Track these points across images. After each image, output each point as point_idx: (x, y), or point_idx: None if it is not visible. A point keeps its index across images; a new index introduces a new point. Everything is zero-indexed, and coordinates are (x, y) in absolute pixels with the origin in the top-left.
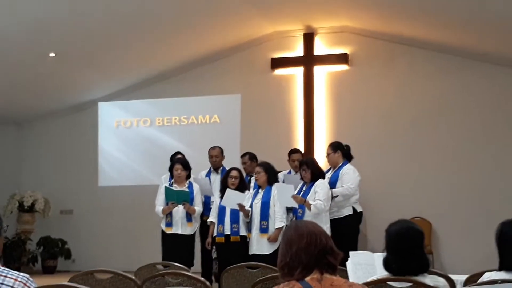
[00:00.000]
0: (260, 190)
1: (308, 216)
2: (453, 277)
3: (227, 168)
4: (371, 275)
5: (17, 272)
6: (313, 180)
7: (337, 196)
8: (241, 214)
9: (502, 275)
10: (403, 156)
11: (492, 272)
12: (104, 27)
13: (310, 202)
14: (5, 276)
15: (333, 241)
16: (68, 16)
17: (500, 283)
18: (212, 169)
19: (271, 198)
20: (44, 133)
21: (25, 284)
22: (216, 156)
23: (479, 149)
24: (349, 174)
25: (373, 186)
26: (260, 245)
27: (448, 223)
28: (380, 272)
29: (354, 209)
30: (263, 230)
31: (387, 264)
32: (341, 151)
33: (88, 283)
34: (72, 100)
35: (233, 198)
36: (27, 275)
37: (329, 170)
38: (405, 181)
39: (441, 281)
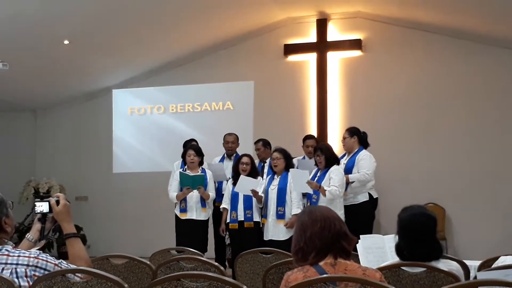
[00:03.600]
0: (275, 176)
1: (322, 202)
2: (467, 262)
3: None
4: (382, 259)
5: (28, 251)
6: (327, 166)
7: (353, 182)
8: (254, 200)
9: None
10: (416, 142)
11: (508, 256)
12: (118, 14)
13: (325, 187)
14: (18, 256)
15: (349, 227)
16: (83, 3)
17: None
18: (225, 156)
19: (288, 184)
20: (59, 120)
21: (36, 258)
22: (232, 142)
23: (494, 134)
24: (366, 160)
25: (387, 172)
26: (276, 231)
27: (461, 209)
28: (391, 256)
29: (370, 195)
30: (280, 216)
31: (399, 250)
32: (357, 136)
33: (104, 268)
34: (87, 88)
35: (246, 184)
36: (38, 251)
37: (344, 155)
38: (419, 167)
39: (454, 265)
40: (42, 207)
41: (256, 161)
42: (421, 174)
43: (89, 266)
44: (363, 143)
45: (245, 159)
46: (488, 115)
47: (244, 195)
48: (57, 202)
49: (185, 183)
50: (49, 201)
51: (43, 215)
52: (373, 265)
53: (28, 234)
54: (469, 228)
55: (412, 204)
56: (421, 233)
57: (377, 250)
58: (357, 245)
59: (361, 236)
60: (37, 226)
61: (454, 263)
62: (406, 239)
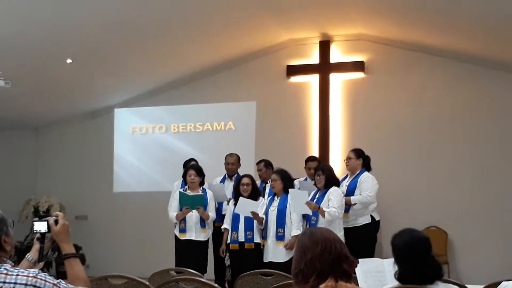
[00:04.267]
0: (276, 198)
1: (321, 224)
2: (469, 287)
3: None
4: (382, 283)
5: (27, 270)
6: (327, 187)
7: (355, 204)
8: (255, 221)
9: None
10: (418, 164)
11: (509, 282)
12: (121, 34)
13: (324, 209)
14: (17, 275)
15: (350, 249)
16: (86, 23)
17: None
18: (226, 176)
19: (287, 206)
20: (60, 139)
21: (35, 277)
22: (232, 164)
23: (496, 158)
24: (368, 182)
25: (388, 195)
26: (276, 253)
27: (464, 232)
28: (391, 280)
29: (372, 217)
30: (279, 237)
31: (401, 278)
32: (362, 159)
33: None
34: (88, 106)
35: (246, 206)
36: (36, 270)
37: (345, 178)
38: (421, 190)
39: None
40: (40, 226)
41: (258, 182)
42: (423, 197)
43: (87, 286)
44: (366, 166)
45: (245, 180)
46: (491, 138)
47: (245, 216)
48: (56, 221)
49: (184, 203)
50: (47, 221)
51: (42, 235)
52: (371, 286)
53: (28, 254)
54: (471, 252)
55: (402, 230)
56: (417, 257)
57: (376, 274)
58: (356, 268)
59: (360, 260)
60: (36, 246)
61: (455, 287)
62: (404, 265)
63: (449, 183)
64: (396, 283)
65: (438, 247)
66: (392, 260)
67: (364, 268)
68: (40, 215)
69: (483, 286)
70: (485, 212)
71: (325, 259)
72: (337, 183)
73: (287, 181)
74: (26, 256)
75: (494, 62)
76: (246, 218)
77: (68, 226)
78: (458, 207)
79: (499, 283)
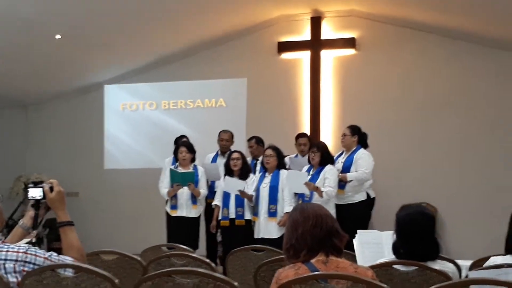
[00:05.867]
0: (267, 174)
1: (315, 201)
2: (459, 262)
3: None
4: (379, 255)
5: (17, 245)
6: (321, 164)
7: (351, 180)
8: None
9: (508, 259)
10: (410, 141)
11: (498, 257)
12: (110, 9)
13: (321, 189)
14: (7, 251)
15: (344, 225)
16: None
17: (506, 267)
18: (219, 152)
19: (280, 182)
20: (50, 116)
21: (25, 253)
22: (227, 140)
23: (487, 135)
24: (364, 159)
25: (380, 172)
26: (268, 229)
27: (454, 209)
28: (388, 253)
29: (368, 194)
30: (272, 214)
31: (395, 249)
32: (358, 136)
33: (94, 264)
34: (78, 83)
35: (233, 185)
36: (27, 245)
37: (340, 154)
38: (412, 167)
39: (451, 267)
40: (35, 193)
41: (249, 159)
42: (414, 174)
43: (82, 256)
44: (363, 143)
45: (235, 155)
46: (483, 115)
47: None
48: (51, 188)
49: (175, 180)
50: (42, 187)
51: (37, 201)
52: (369, 260)
53: (20, 220)
54: (461, 228)
55: (411, 203)
56: (418, 233)
57: (374, 245)
58: (353, 240)
59: (358, 231)
60: (30, 213)
61: (451, 265)
62: (403, 238)
63: (440, 160)
64: (393, 256)
65: None
66: (390, 233)
67: (362, 239)
68: (35, 182)
69: (472, 261)
70: (475, 189)
71: (316, 234)
72: (331, 160)
73: (281, 158)
74: (18, 223)
75: (487, 39)
76: (237, 195)
77: (64, 193)
78: (448, 184)
79: (488, 258)
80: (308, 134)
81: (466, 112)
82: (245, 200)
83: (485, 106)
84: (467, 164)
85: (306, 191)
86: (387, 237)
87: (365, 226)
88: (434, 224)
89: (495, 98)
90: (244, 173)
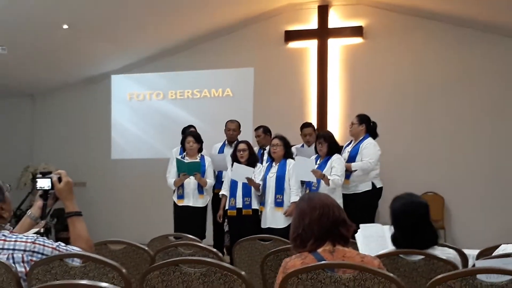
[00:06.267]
0: (274, 164)
1: (322, 190)
2: (466, 251)
3: None
4: (383, 247)
5: (25, 235)
6: (329, 154)
7: (356, 170)
8: (252, 187)
9: None
10: (417, 130)
11: (509, 245)
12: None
13: (328, 177)
14: (15, 241)
15: (349, 215)
16: None
17: None
18: (226, 142)
19: (286, 172)
20: (57, 106)
21: (33, 243)
22: (234, 130)
23: (495, 123)
24: (369, 149)
25: (387, 161)
26: (274, 219)
27: (460, 198)
28: (391, 244)
29: (373, 184)
30: (278, 203)
31: (395, 240)
32: (366, 125)
33: (102, 253)
34: (85, 73)
35: (241, 172)
36: (35, 235)
37: (349, 143)
38: (419, 156)
39: (452, 252)
40: (43, 183)
41: (256, 148)
42: (420, 162)
43: (89, 246)
44: (372, 132)
45: (242, 146)
46: (490, 104)
47: (243, 182)
48: (59, 179)
49: (181, 169)
50: (51, 178)
51: (45, 192)
52: (374, 252)
53: (29, 211)
54: (468, 218)
55: (402, 193)
56: (414, 221)
57: (377, 238)
58: (356, 234)
59: (360, 225)
60: (38, 203)
61: (452, 250)
62: (400, 229)
63: (447, 148)
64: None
65: (435, 212)
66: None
67: (366, 233)
68: (43, 172)
69: (479, 249)
70: (481, 178)
71: (323, 224)
72: (338, 150)
73: (288, 148)
74: (27, 213)
75: (494, 26)
76: (244, 184)
77: (72, 184)
78: (455, 173)
79: (497, 246)
80: (315, 123)
81: (473, 99)
82: (252, 190)
83: (493, 94)
84: (474, 153)
85: (313, 179)
86: (389, 231)
87: (371, 216)
88: (428, 210)
89: (503, 85)
90: (251, 163)
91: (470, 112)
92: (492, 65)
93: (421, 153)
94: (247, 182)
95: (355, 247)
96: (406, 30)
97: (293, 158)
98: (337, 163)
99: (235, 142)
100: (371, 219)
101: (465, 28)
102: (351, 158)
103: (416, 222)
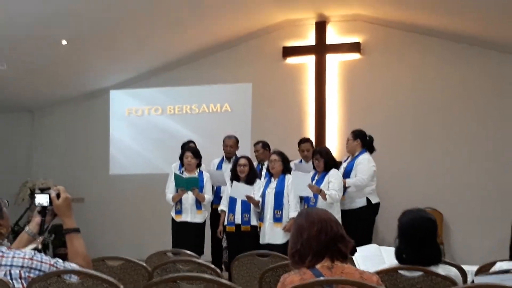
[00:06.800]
0: (272, 179)
1: (320, 206)
2: (465, 267)
3: None
4: (380, 265)
5: (23, 251)
6: (326, 169)
7: (349, 186)
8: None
9: None
10: (415, 146)
11: (504, 262)
12: (115, 15)
13: (325, 192)
14: (13, 257)
15: (347, 232)
16: (80, 4)
17: None
18: (224, 158)
19: (285, 187)
20: (56, 121)
21: (31, 259)
22: (231, 146)
23: (493, 139)
24: (364, 164)
25: (385, 176)
26: (273, 235)
27: (459, 214)
28: (389, 262)
29: (368, 200)
30: (277, 219)
31: (398, 254)
32: (361, 140)
33: (99, 269)
34: (84, 88)
35: (240, 190)
36: (33, 251)
37: (347, 158)
38: (417, 171)
39: (453, 270)
40: (42, 199)
41: (255, 163)
42: (419, 178)
43: (87, 263)
44: (368, 147)
45: (242, 161)
46: (488, 119)
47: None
48: (58, 195)
49: (179, 185)
50: (49, 194)
51: (43, 208)
52: (371, 269)
53: (27, 227)
54: (466, 233)
55: (412, 208)
56: (421, 237)
57: (374, 257)
58: (354, 257)
59: (357, 248)
60: (36, 219)
61: (453, 269)
62: (405, 243)
63: (446, 164)
64: (394, 263)
65: None
66: (388, 248)
67: (363, 254)
68: (42, 188)
69: (478, 266)
70: (480, 194)
71: (321, 240)
72: (335, 165)
73: (286, 163)
74: (25, 229)
75: (490, 42)
76: (243, 201)
77: (70, 200)
78: (454, 189)
79: (494, 263)
80: (314, 138)
81: (471, 115)
82: (251, 206)
83: (490, 109)
84: (473, 168)
85: (310, 194)
86: (386, 251)
87: (369, 232)
88: (436, 228)
89: (500, 101)
90: (250, 179)
91: (468, 127)
92: (490, 81)
93: (420, 169)
94: (246, 199)
95: (354, 264)
96: (404, 46)
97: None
98: (334, 178)
99: (234, 157)
100: (368, 235)
101: (463, 44)
102: (346, 174)
103: (424, 237)
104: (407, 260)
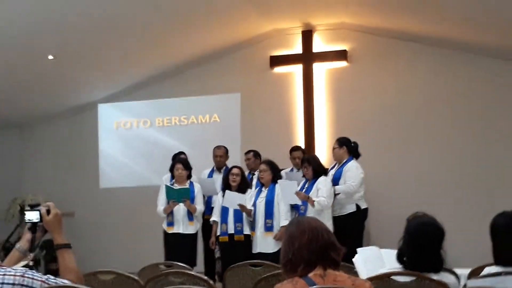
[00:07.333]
0: (263, 189)
1: (310, 213)
2: (457, 271)
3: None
4: (381, 268)
5: (14, 268)
6: (315, 177)
7: (339, 193)
8: (244, 213)
9: (498, 269)
10: (404, 151)
11: (491, 267)
12: (102, 29)
13: (313, 198)
14: (4, 275)
15: (337, 238)
16: (67, 18)
17: (504, 275)
18: (215, 168)
19: (275, 196)
20: (45, 136)
21: (22, 276)
22: (221, 156)
23: (481, 144)
24: (352, 171)
25: (374, 182)
26: (265, 244)
27: (450, 218)
28: (389, 265)
29: (357, 206)
30: (268, 228)
31: (400, 255)
32: (347, 147)
33: (92, 284)
34: (72, 102)
35: (233, 199)
36: (24, 268)
37: (334, 166)
38: (406, 177)
39: (452, 279)
40: (32, 216)
41: (246, 172)
42: (408, 183)
43: (79, 279)
44: (354, 153)
45: (235, 171)
46: (476, 124)
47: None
48: (48, 211)
49: (171, 196)
50: (39, 210)
51: (34, 224)
52: (372, 272)
53: (17, 244)
54: (457, 237)
55: (424, 213)
56: (426, 243)
57: (375, 259)
58: (354, 259)
59: (358, 249)
60: (27, 236)
61: (452, 277)
62: (410, 246)
63: (434, 169)
64: (392, 266)
65: None
66: (389, 250)
67: (364, 256)
68: (32, 204)
69: (469, 269)
70: (471, 198)
71: (312, 248)
72: (324, 172)
73: (276, 172)
74: (15, 246)
75: (476, 48)
76: (235, 210)
77: (60, 216)
78: (443, 194)
79: (484, 267)
80: (303, 146)
81: (459, 120)
82: (244, 215)
83: (478, 114)
84: (462, 173)
85: (298, 201)
86: (386, 254)
87: (359, 238)
88: (443, 237)
89: (488, 106)
90: (242, 188)
91: (457, 133)
92: (476, 86)
93: (406, 174)
94: (239, 208)
95: (346, 271)
96: (390, 53)
97: None
98: (323, 184)
99: (225, 167)
100: (358, 241)
101: (448, 50)
102: (335, 181)
103: (430, 243)
104: (407, 263)
